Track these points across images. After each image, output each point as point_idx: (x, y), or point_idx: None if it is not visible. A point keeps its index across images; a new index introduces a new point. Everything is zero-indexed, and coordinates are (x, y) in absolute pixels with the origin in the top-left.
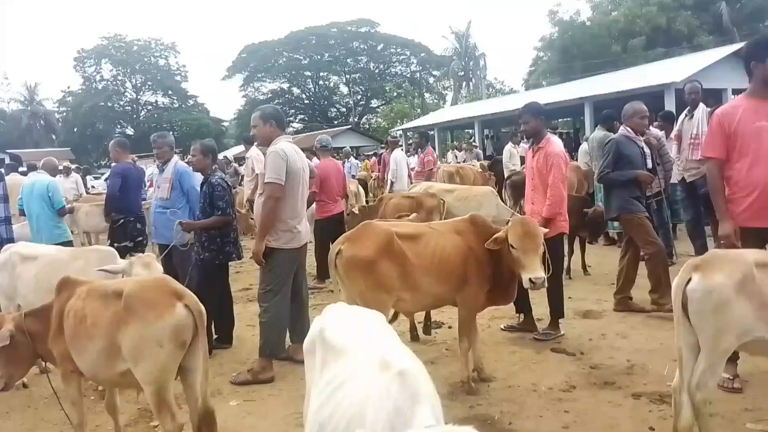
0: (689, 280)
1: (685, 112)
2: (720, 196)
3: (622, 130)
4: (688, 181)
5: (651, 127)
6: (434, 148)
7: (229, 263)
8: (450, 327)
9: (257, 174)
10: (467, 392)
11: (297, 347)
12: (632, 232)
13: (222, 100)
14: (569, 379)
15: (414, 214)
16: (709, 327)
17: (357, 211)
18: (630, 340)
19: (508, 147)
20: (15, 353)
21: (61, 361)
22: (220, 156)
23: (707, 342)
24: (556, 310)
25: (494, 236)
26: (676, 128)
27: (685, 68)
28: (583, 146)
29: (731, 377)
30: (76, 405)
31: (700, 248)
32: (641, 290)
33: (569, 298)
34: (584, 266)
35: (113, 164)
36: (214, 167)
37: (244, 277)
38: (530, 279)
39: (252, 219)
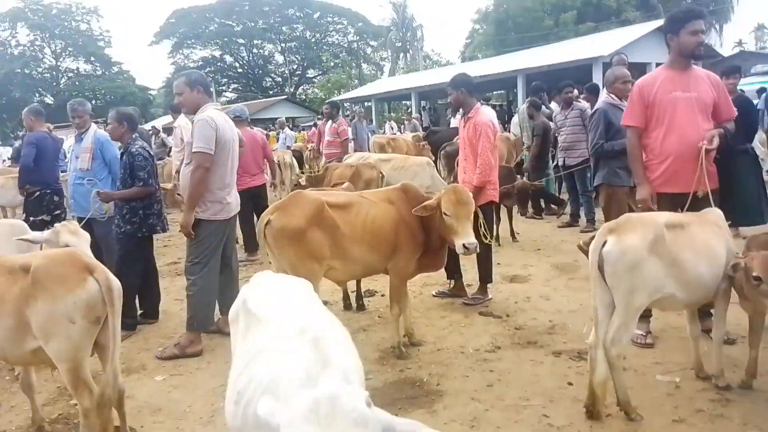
0: (605, 242)
1: None
2: (638, 163)
3: (606, 97)
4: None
5: (579, 99)
6: (372, 120)
7: (156, 237)
8: (383, 295)
9: (186, 144)
10: (398, 357)
11: (226, 319)
12: (606, 206)
13: (149, 67)
14: (495, 340)
15: (347, 183)
16: (623, 286)
17: (304, 182)
18: (552, 302)
19: None
20: None
21: None
22: (148, 126)
23: (621, 300)
24: (485, 275)
25: (423, 204)
26: (600, 100)
27: (612, 42)
28: (515, 118)
29: (644, 333)
30: None
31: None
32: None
33: (497, 264)
34: (512, 233)
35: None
36: (134, 136)
37: (173, 251)
38: (464, 245)
39: (179, 195)
